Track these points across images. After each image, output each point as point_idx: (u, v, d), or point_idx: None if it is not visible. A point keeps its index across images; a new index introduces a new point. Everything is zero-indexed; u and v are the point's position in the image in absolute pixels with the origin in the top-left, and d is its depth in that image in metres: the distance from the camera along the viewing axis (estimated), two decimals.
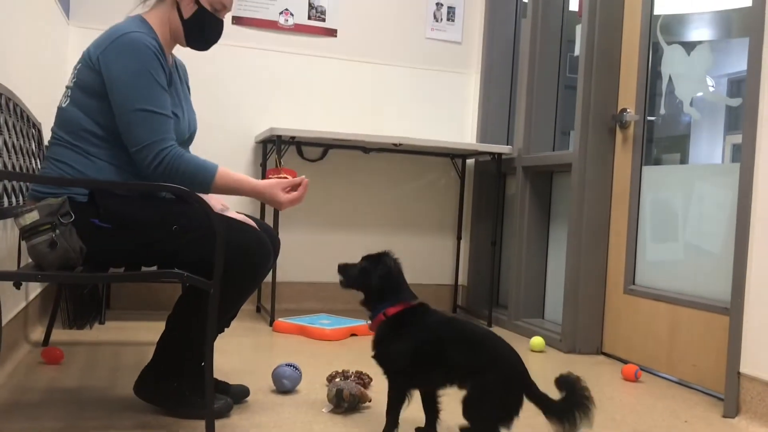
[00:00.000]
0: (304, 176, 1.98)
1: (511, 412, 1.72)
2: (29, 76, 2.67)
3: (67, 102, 1.89)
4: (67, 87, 1.92)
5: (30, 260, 1.79)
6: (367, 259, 1.89)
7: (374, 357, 1.86)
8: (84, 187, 1.83)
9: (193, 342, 1.88)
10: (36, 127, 2.60)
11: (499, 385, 1.73)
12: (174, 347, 1.97)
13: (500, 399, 1.73)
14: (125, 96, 1.80)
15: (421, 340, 1.80)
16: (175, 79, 2.02)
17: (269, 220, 3.37)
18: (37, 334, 2.89)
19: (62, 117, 1.89)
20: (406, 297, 1.86)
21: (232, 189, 1.88)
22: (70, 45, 3.58)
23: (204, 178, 1.84)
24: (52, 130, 1.92)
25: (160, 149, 1.80)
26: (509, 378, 1.75)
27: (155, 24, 1.96)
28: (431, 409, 1.90)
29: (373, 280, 1.84)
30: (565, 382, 1.72)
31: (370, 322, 1.88)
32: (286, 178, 3.41)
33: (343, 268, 1.90)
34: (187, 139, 2.06)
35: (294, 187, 1.94)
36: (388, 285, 1.85)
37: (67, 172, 1.84)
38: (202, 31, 2.01)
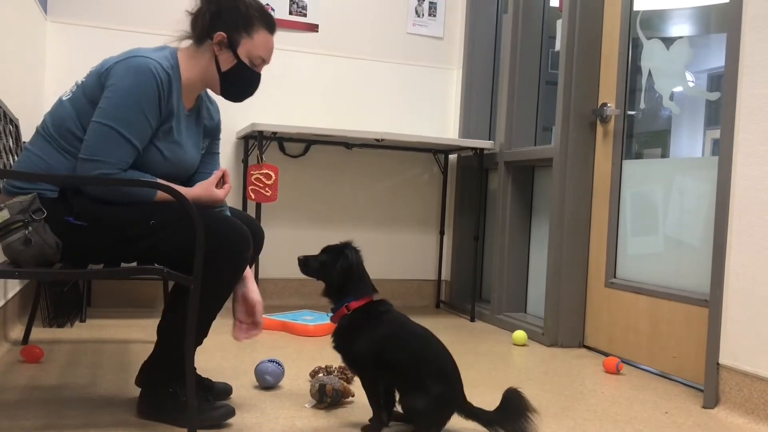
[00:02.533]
0: (223, 167, 2.02)
1: (439, 425, 1.84)
2: (5, 72, 2.64)
3: (68, 97, 1.89)
4: (76, 83, 1.91)
5: (6, 260, 1.77)
6: (327, 251, 1.94)
7: (335, 348, 1.92)
8: (54, 184, 1.81)
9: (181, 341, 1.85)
10: (13, 123, 2.57)
11: (435, 400, 1.80)
12: (167, 352, 1.92)
13: (433, 413, 1.81)
14: (105, 108, 1.80)
15: (379, 335, 1.86)
16: (185, 119, 1.98)
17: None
18: (17, 332, 2.86)
19: (57, 109, 1.89)
20: (368, 291, 1.92)
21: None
22: (48, 40, 3.54)
23: (145, 197, 1.83)
24: (45, 116, 1.91)
25: (106, 172, 1.78)
26: (447, 396, 1.82)
27: (184, 63, 1.94)
28: (387, 401, 1.93)
29: (334, 273, 1.90)
30: (509, 396, 1.81)
31: (331, 314, 1.93)
32: (268, 174, 3.42)
33: (304, 261, 1.95)
34: (170, 179, 1.98)
35: (222, 181, 2.00)
36: (349, 278, 1.90)
37: (38, 165, 1.83)
38: (238, 84, 1.98)
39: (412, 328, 1.91)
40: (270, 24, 1.98)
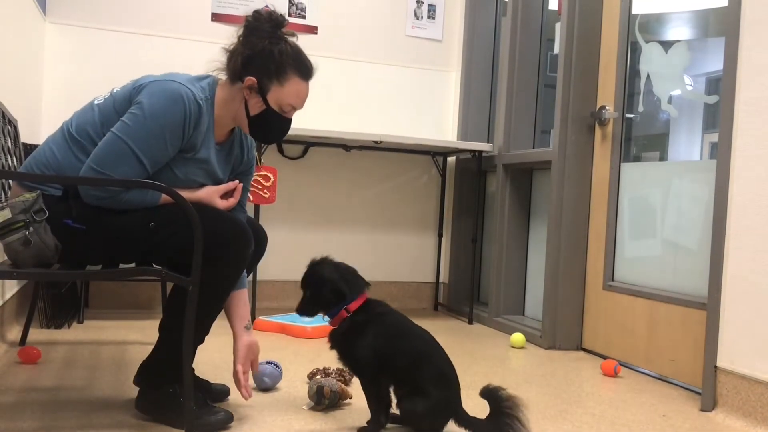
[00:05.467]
0: (237, 180, 2.00)
1: (436, 430, 1.86)
2: (4, 73, 2.64)
3: (99, 102, 1.88)
4: (111, 91, 1.91)
5: (6, 258, 1.77)
6: (306, 286, 1.91)
7: (338, 352, 1.91)
8: (59, 183, 1.81)
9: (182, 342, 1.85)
10: (12, 123, 2.57)
11: (434, 404, 1.81)
12: (168, 351, 1.91)
13: (432, 416, 1.83)
14: (127, 124, 1.78)
15: (383, 337, 1.86)
16: (214, 153, 1.96)
17: None
18: (14, 333, 2.86)
19: (85, 111, 1.88)
20: (362, 288, 1.91)
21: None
22: (47, 42, 3.54)
23: (151, 203, 1.82)
24: (73, 114, 1.91)
25: (105, 196, 1.77)
26: (446, 400, 1.84)
27: (219, 97, 1.92)
28: (384, 402, 1.92)
29: (325, 300, 1.89)
30: (488, 394, 1.81)
31: (329, 319, 1.92)
32: (267, 175, 3.42)
33: (301, 311, 1.93)
34: None
35: (229, 192, 1.97)
36: (340, 291, 1.88)
37: (49, 160, 1.82)
38: (267, 129, 1.95)
39: (414, 329, 1.91)
40: (304, 72, 1.93)
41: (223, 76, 1.95)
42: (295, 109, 1.96)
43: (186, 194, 1.79)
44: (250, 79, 1.88)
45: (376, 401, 1.89)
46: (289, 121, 1.98)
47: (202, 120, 1.86)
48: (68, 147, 1.83)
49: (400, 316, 1.94)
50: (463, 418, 1.84)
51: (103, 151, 1.77)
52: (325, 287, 1.88)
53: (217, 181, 2.00)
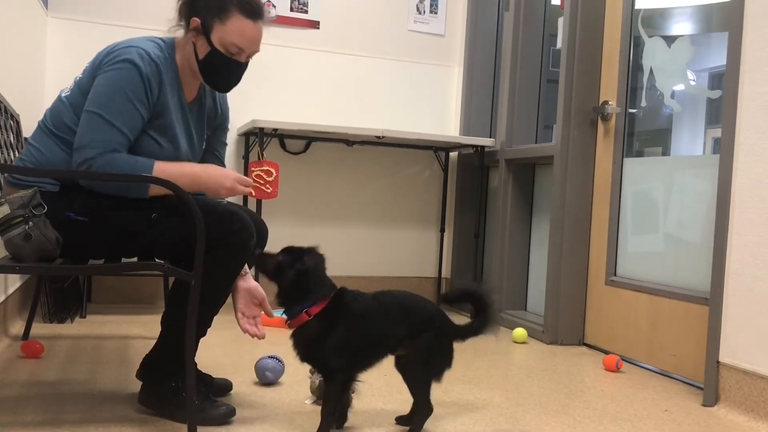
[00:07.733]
0: (248, 179, 2.00)
1: (444, 366, 1.87)
2: (7, 67, 2.64)
3: (66, 94, 1.90)
4: (75, 79, 1.92)
5: (7, 255, 1.77)
6: (286, 252, 1.83)
7: (302, 360, 1.82)
8: (56, 178, 1.81)
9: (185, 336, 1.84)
10: (14, 118, 2.57)
11: (433, 342, 1.84)
12: (170, 346, 1.91)
13: (434, 355, 1.85)
14: (90, 97, 1.81)
15: (354, 327, 1.78)
16: (188, 111, 1.97)
17: None
18: (17, 328, 2.86)
19: (56, 105, 1.90)
20: (327, 292, 1.80)
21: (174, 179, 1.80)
22: (49, 36, 3.54)
23: (142, 170, 1.80)
24: (45, 111, 1.92)
25: (90, 156, 1.75)
26: (441, 334, 1.88)
27: (179, 53, 1.94)
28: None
29: (288, 276, 1.79)
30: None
31: (288, 320, 1.82)
32: (269, 170, 3.42)
33: (260, 258, 1.86)
34: None
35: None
36: (305, 284, 1.78)
37: (38, 159, 1.83)
38: (216, 73, 1.93)
39: (384, 299, 1.84)
40: (248, 10, 1.88)
41: (179, 34, 1.96)
42: (242, 50, 1.90)
43: (200, 169, 1.83)
44: (195, 21, 1.89)
45: (335, 406, 1.81)
46: (241, 65, 1.93)
47: (163, 77, 1.86)
48: (51, 141, 1.85)
49: (362, 294, 1.84)
50: (462, 332, 1.92)
51: (80, 130, 1.79)
52: (297, 263, 1.78)
53: (190, 140, 2.00)
